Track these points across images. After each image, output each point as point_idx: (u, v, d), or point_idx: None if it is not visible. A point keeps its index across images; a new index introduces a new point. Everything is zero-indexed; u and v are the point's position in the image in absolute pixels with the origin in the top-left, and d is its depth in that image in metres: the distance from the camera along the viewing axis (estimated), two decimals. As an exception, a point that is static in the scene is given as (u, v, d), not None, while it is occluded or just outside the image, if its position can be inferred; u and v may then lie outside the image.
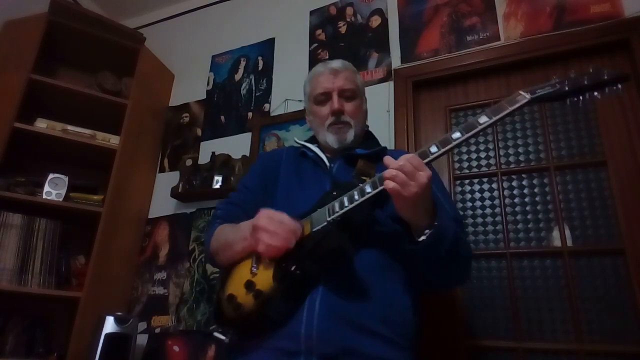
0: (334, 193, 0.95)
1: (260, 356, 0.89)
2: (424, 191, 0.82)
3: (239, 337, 0.97)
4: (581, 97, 0.82)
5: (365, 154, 1.12)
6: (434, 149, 0.85)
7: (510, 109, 0.83)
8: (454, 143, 0.84)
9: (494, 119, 0.83)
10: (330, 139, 1.16)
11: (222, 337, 0.96)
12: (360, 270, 0.93)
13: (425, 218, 0.86)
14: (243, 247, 0.97)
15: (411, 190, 0.81)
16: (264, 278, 0.91)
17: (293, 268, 0.88)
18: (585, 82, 0.80)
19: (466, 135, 0.84)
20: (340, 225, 0.89)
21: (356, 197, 0.89)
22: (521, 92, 0.84)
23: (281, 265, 0.90)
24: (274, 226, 0.89)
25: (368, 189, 0.88)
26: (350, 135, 1.16)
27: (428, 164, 0.85)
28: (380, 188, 0.86)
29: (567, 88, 0.81)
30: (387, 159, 0.85)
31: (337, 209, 0.90)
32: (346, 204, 0.89)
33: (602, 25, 1.56)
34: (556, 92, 0.82)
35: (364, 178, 1.00)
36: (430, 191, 0.84)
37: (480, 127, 0.83)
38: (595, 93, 0.81)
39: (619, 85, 0.80)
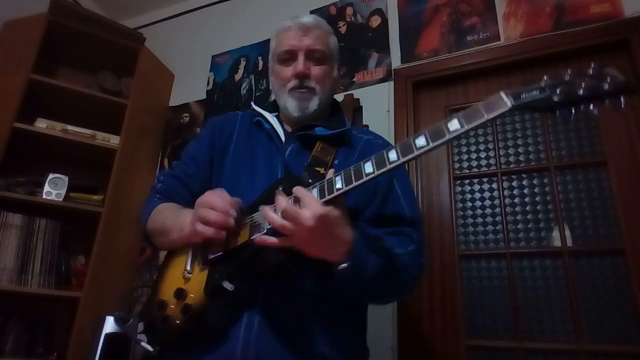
0: (280, 188, 0.83)
1: None
2: (318, 232, 0.71)
3: (168, 351, 0.88)
4: (574, 110, 0.66)
5: (325, 135, 0.98)
6: (393, 155, 0.71)
7: (487, 117, 0.68)
8: (417, 152, 0.70)
9: (467, 127, 0.68)
10: (291, 105, 1.00)
11: (149, 348, 0.86)
12: (305, 286, 0.84)
13: (336, 255, 0.75)
14: (179, 237, 0.88)
15: (300, 238, 0.72)
16: (196, 288, 0.82)
17: (225, 283, 0.79)
18: (581, 93, 0.64)
19: (432, 145, 0.69)
20: (282, 235, 0.77)
21: None
22: (502, 95, 0.68)
23: (214, 276, 0.81)
24: (214, 198, 0.81)
25: (315, 195, 0.77)
26: (313, 104, 1.00)
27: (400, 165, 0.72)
28: (328, 197, 0.75)
29: (557, 98, 0.65)
30: (267, 212, 0.74)
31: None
32: None
33: (602, 25, 1.56)
34: (544, 100, 0.67)
35: (317, 169, 0.90)
36: (331, 229, 0.73)
37: (449, 137, 0.69)
38: (592, 106, 0.64)
39: (622, 98, 0.63)
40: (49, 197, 1.86)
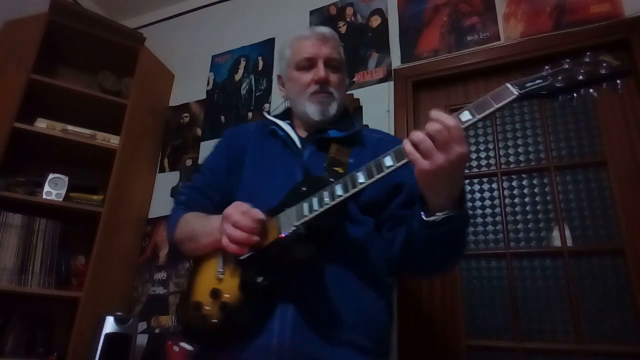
0: (304, 189, 0.89)
1: None
2: (453, 169, 0.71)
3: (207, 348, 0.93)
4: (575, 95, 0.71)
5: (339, 137, 1.04)
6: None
7: (496, 106, 0.73)
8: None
9: (478, 117, 0.73)
10: (311, 110, 1.06)
11: (189, 347, 0.93)
12: (333, 278, 0.88)
13: (446, 200, 0.77)
14: (209, 242, 0.93)
15: (436, 162, 0.70)
16: (231, 287, 0.86)
17: (260, 279, 0.84)
18: (581, 78, 0.70)
19: None
20: (309, 231, 0.83)
21: (326, 199, 0.82)
22: (509, 85, 0.73)
23: (248, 274, 0.86)
24: (238, 216, 0.84)
25: (339, 191, 0.81)
26: (333, 108, 1.07)
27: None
28: (352, 191, 0.80)
29: (559, 84, 0.71)
30: (435, 114, 0.74)
31: (305, 212, 0.84)
32: (315, 207, 0.83)
33: (602, 25, 1.56)
34: (548, 87, 0.72)
35: (336, 169, 0.95)
36: (461, 173, 0.75)
37: (462, 127, 0.73)
38: (591, 90, 0.70)
39: (618, 81, 0.69)
40: (49, 197, 1.86)
